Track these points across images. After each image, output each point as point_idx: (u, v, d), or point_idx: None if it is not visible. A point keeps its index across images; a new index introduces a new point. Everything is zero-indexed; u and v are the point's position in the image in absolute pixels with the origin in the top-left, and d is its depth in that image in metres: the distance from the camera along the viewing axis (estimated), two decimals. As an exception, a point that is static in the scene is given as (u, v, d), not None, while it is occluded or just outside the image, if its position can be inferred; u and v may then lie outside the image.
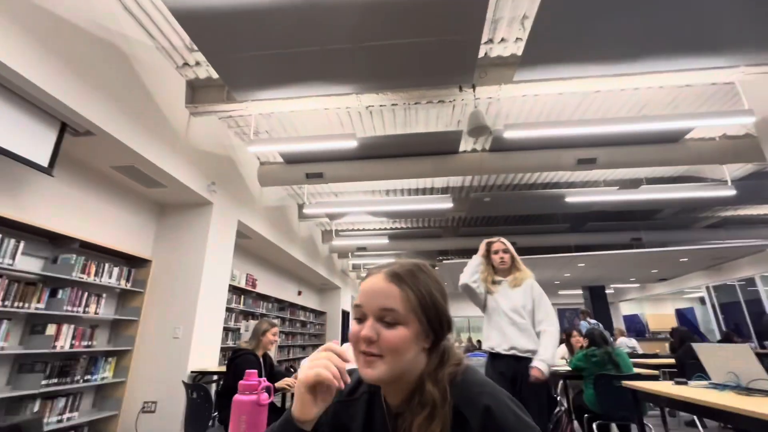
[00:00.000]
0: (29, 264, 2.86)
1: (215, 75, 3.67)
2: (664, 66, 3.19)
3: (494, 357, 2.18)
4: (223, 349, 4.89)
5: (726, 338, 7.12)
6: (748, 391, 1.96)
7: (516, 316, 2.17)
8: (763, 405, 1.65)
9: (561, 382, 3.93)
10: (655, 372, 3.29)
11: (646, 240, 7.75)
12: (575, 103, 4.21)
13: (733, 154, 4.62)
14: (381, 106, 3.99)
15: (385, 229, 8.30)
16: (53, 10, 2.50)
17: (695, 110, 4.31)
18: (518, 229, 8.00)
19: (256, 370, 0.95)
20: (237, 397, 0.84)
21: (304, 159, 5.00)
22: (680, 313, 12.86)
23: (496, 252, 2.34)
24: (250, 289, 6.34)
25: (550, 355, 2.08)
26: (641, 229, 7.68)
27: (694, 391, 2.12)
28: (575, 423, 3.43)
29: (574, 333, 4.36)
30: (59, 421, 2.93)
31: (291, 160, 5.11)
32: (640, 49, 2.98)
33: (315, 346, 8.82)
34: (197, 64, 3.65)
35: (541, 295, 2.25)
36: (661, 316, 13.59)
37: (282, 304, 7.91)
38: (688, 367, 3.69)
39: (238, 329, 5.75)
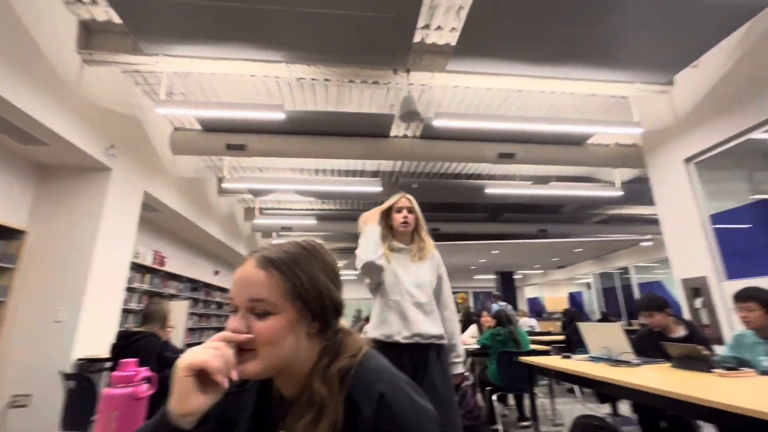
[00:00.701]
0: None
1: (117, 19, 3.15)
2: (576, 74, 3.49)
3: (388, 348, 1.61)
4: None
5: (604, 318, 8.35)
6: (616, 362, 2.29)
7: (421, 295, 1.70)
8: (624, 374, 1.93)
9: (469, 359, 4.26)
10: (547, 348, 3.70)
11: (551, 231, 8.66)
12: (500, 100, 4.44)
13: (623, 160, 5.30)
14: (313, 79, 3.80)
15: (313, 209, 8.11)
16: None
17: (597, 118, 4.82)
18: (442, 216, 8.37)
19: (139, 359, 0.83)
20: (107, 391, 0.72)
21: (226, 128, 4.60)
22: (572, 296, 14.72)
23: (399, 210, 1.81)
24: (157, 267, 5.76)
25: (463, 351, 1.86)
26: (547, 221, 8.56)
27: (574, 363, 2.41)
28: (479, 396, 3.74)
29: (485, 314, 4.73)
30: None
31: (210, 128, 4.67)
32: (559, 56, 3.22)
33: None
34: (93, 1, 3.10)
35: (445, 271, 1.88)
36: (557, 299, 15.43)
37: (195, 284, 7.35)
38: (573, 343, 4.23)
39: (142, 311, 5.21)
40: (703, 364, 1.90)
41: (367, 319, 12.72)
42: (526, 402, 3.40)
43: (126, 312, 4.77)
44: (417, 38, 3.51)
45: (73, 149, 3.28)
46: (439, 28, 3.44)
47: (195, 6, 2.62)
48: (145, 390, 0.77)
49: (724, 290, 3.48)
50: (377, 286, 1.75)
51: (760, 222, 3.55)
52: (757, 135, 3.40)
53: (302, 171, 6.28)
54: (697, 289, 3.78)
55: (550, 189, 6.02)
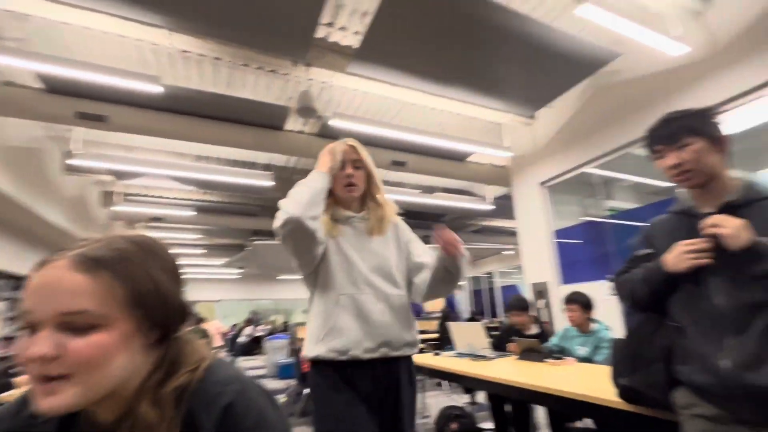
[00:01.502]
0: None
1: None
2: (461, 96, 3.86)
3: (339, 367, 1.10)
4: None
5: (472, 317, 9.39)
6: (477, 357, 2.57)
7: (385, 284, 1.18)
8: (481, 367, 2.18)
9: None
10: (422, 345, 3.98)
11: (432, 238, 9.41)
12: (395, 110, 4.65)
13: (494, 178, 6.07)
14: (200, 55, 3.40)
15: (192, 199, 7.27)
16: None
17: (476, 139, 5.42)
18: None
19: None
20: None
21: (79, 92, 3.80)
22: (448, 298, 16.27)
23: (341, 166, 1.22)
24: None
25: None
26: (431, 228, 9.27)
27: (443, 360, 2.64)
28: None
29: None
30: None
31: (56, 89, 3.80)
32: (447, 77, 3.51)
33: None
34: None
35: (415, 238, 1.36)
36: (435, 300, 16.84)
37: (20, 283, 5.87)
38: (445, 341, 4.65)
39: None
40: (539, 355, 2.26)
41: (250, 322, 11.92)
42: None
43: None
44: (320, 34, 3.44)
45: None
46: (343, 28, 3.43)
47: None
48: None
49: (559, 293, 4.24)
50: (314, 276, 1.18)
51: (587, 238, 4.44)
52: (588, 169, 4.25)
53: (182, 155, 5.58)
54: (541, 291, 4.53)
55: (435, 199, 6.55)
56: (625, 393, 1.17)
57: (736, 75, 2.89)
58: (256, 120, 4.49)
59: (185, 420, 0.46)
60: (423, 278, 1.23)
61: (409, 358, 1.19)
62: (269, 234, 9.44)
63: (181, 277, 0.55)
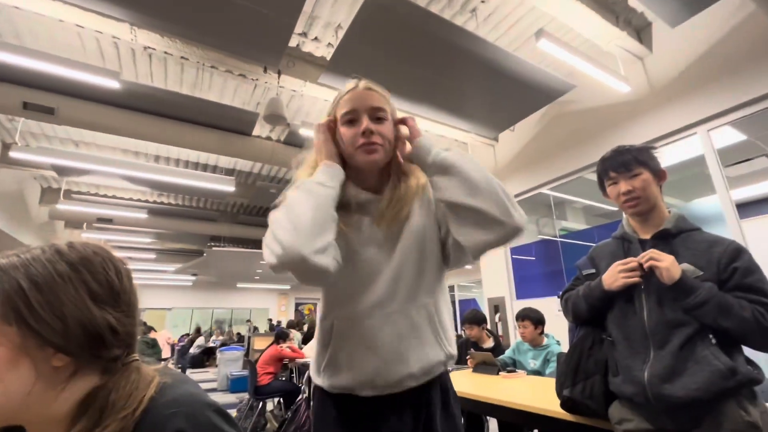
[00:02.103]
0: None
1: None
2: (429, 115, 3.99)
3: (343, 402, 0.83)
4: None
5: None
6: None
7: (403, 298, 0.83)
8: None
9: (308, 372, 4.23)
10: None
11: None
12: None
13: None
14: (166, 53, 3.29)
15: (146, 201, 6.90)
16: None
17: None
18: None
19: None
20: None
21: (24, 80, 3.54)
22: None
23: (353, 121, 0.83)
24: None
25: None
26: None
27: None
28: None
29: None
30: None
31: (2, 76, 3.52)
32: (417, 95, 3.62)
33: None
34: None
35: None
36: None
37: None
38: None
39: None
40: (493, 368, 2.34)
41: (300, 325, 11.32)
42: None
43: None
44: (293, 43, 3.45)
45: None
46: (316, 39, 3.47)
47: None
48: None
49: (514, 308, 4.41)
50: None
51: (540, 256, 4.67)
52: (544, 190, 4.51)
53: (137, 155, 5.31)
54: (497, 305, 4.69)
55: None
56: (566, 404, 1.24)
57: (669, 114, 3.22)
58: (222, 124, 4.38)
59: None
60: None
61: (441, 376, 0.86)
62: (229, 240, 9.12)
63: (120, 296, 0.49)
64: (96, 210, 6.19)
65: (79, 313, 0.45)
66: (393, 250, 0.84)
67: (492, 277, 4.89)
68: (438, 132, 4.44)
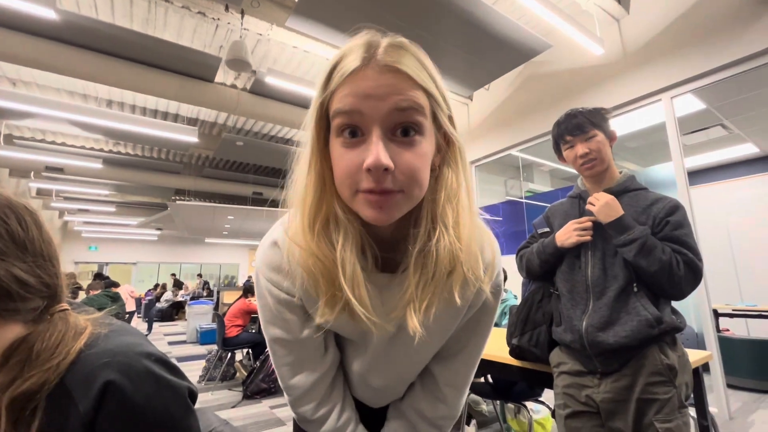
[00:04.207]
0: None
1: None
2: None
3: None
4: None
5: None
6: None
7: (388, 393, 0.67)
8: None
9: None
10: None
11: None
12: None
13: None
14: (110, -19, 2.93)
15: (100, 150, 6.45)
16: None
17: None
18: (269, 180, 8.03)
19: None
20: None
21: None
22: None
23: (350, 129, 0.44)
24: None
25: None
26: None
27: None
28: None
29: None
30: None
31: None
32: (392, 46, 3.45)
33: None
34: None
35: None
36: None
37: None
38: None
39: None
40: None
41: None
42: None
43: None
44: (257, -21, 3.15)
45: None
46: (283, -24, 3.18)
47: None
48: None
49: (478, 265, 4.59)
50: None
51: (507, 217, 4.83)
52: (514, 152, 4.56)
53: (85, 98, 4.87)
54: (462, 263, 4.87)
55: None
56: (514, 351, 1.34)
57: (639, 79, 3.26)
58: (181, 67, 4.05)
59: (59, 403, 0.41)
60: None
61: None
62: (194, 194, 8.80)
63: (25, 248, 0.46)
64: (44, 158, 5.73)
65: None
66: (398, 359, 0.61)
67: (459, 235, 5.03)
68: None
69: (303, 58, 4.21)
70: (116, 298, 4.11)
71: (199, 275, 12.98)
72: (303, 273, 0.49)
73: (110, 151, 6.50)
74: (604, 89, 3.51)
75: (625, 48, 3.39)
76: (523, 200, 4.85)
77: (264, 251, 0.56)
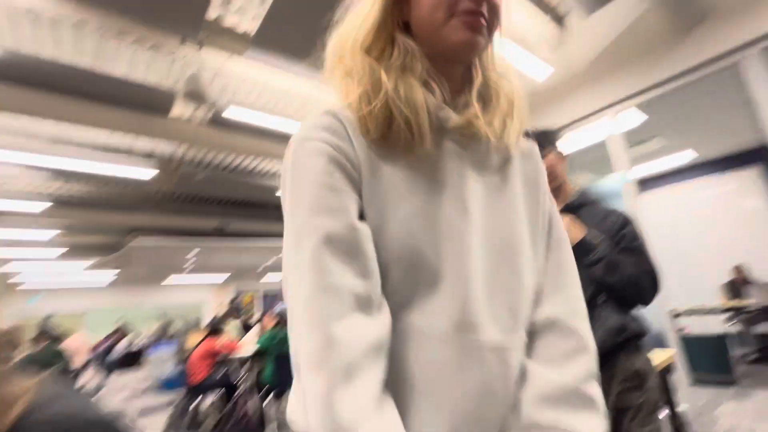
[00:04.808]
0: None
1: None
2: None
3: None
4: None
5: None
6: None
7: (507, 316, 0.45)
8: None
9: (248, 363, 4.09)
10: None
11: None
12: (298, 103, 4.53)
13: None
14: (54, 17, 2.83)
15: (46, 189, 6.03)
16: None
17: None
18: (230, 212, 7.80)
19: None
20: None
21: None
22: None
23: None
24: None
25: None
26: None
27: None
28: (249, 403, 3.62)
29: (267, 315, 4.67)
30: None
31: None
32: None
33: None
34: None
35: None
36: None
37: None
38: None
39: None
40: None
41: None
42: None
43: None
44: (215, 14, 3.16)
45: None
46: (240, 9, 3.20)
47: None
48: None
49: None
50: None
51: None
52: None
53: (28, 137, 4.58)
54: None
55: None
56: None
57: (587, 97, 3.52)
58: (135, 102, 3.93)
59: None
60: None
61: None
62: (155, 231, 8.40)
63: None
64: (-20, 202, 5.27)
65: None
66: (492, 211, 0.48)
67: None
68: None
69: (262, 90, 4.21)
70: (57, 355, 3.74)
71: (161, 318, 12.18)
72: (376, 112, 0.44)
73: (57, 191, 6.10)
74: (551, 110, 3.75)
75: (570, 69, 3.66)
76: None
77: (312, 120, 0.47)
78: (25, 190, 5.89)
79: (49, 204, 5.73)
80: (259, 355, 3.60)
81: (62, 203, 6.20)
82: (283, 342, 3.46)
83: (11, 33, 3.13)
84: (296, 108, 4.61)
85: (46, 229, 6.92)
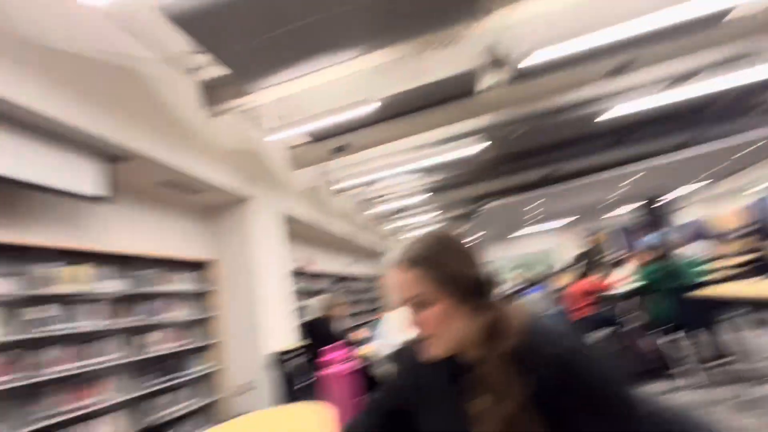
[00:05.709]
0: (114, 285, 3.17)
1: (225, 71, 3.66)
2: None
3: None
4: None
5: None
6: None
7: None
8: None
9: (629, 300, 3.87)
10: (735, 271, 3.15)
11: (699, 138, 7.12)
12: (594, 12, 3.79)
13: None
14: (390, 62, 3.83)
15: (424, 185, 8.25)
16: (70, 50, 2.58)
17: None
18: (557, 156, 7.62)
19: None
20: (325, 372, 0.93)
21: (328, 135, 5.01)
22: (755, 208, 11.75)
23: None
24: (308, 270, 6.68)
25: None
26: (692, 127, 7.03)
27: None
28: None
29: (638, 251, 4.25)
30: (177, 410, 3.39)
31: (318, 137, 5.15)
32: None
33: (372, 311, 9.21)
34: (206, 65, 3.66)
35: None
36: (726, 216, 12.65)
37: (337, 277, 8.29)
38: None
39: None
40: None
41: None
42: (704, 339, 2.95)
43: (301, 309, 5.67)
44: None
45: (219, 190, 4.00)
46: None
47: (280, 35, 2.91)
48: (348, 368, 0.96)
49: None
50: None
51: None
52: None
53: (403, 152, 6.41)
54: None
55: (692, 87, 4.96)
56: None
57: None
58: (451, 94, 4.67)
59: (521, 371, 0.57)
60: None
61: None
62: (497, 194, 9.56)
63: (472, 257, 0.68)
64: (394, 205, 7.99)
65: (464, 273, 0.66)
66: None
67: None
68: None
69: (550, 23, 3.84)
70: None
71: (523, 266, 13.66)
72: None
73: (429, 183, 8.18)
74: None
75: None
76: None
77: None
78: (413, 189, 8.31)
79: (429, 194, 7.82)
80: (643, 290, 3.33)
81: (434, 190, 8.25)
82: (673, 275, 3.01)
83: (374, 88, 4.52)
84: (593, 17, 3.89)
85: (430, 214, 9.49)
